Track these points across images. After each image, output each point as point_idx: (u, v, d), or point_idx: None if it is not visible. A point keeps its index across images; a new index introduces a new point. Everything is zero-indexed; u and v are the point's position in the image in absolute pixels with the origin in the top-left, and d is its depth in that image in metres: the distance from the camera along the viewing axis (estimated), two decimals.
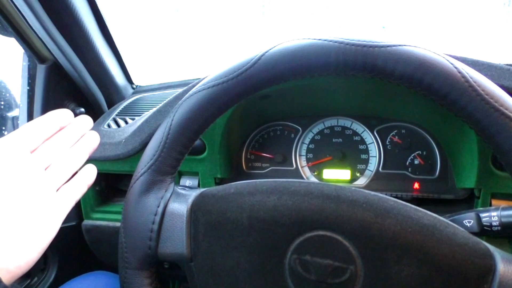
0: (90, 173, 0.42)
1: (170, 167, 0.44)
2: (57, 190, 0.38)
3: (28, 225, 0.34)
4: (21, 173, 0.35)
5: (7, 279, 0.32)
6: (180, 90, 0.68)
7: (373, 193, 0.39)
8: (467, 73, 0.35)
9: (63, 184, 0.39)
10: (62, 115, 0.41)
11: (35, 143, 0.38)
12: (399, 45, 0.37)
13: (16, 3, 0.64)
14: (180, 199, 0.45)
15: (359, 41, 0.38)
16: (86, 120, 0.43)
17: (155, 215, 0.43)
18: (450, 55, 0.38)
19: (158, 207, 0.44)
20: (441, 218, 0.37)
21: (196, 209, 0.44)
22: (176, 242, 0.43)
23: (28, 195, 0.35)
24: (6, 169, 0.34)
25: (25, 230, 0.34)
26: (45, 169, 0.38)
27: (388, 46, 0.37)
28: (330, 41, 0.38)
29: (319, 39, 0.39)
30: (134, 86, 1.00)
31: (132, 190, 0.44)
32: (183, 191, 0.46)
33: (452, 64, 0.36)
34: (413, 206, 0.37)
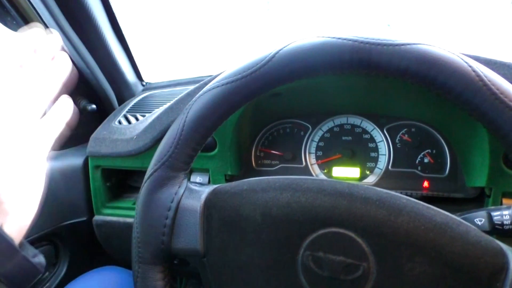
0: (67, 107, 0.37)
1: (183, 163, 0.45)
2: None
3: (18, 151, 0.31)
4: (15, 86, 0.32)
5: (16, 230, 0.30)
6: (189, 87, 0.68)
7: (385, 191, 0.39)
8: (482, 72, 0.35)
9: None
10: (35, 35, 0.36)
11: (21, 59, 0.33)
12: (413, 44, 0.37)
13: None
14: (193, 195, 0.45)
15: (373, 39, 0.37)
16: (55, 39, 0.37)
17: (169, 210, 0.44)
18: (464, 54, 0.38)
19: (172, 202, 0.44)
20: (453, 216, 0.37)
21: (209, 205, 0.44)
22: (189, 237, 0.44)
23: (19, 116, 0.31)
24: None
25: (16, 156, 0.31)
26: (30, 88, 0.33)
27: (402, 44, 0.37)
28: (345, 39, 0.38)
29: (334, 37, 0.39)
30: (144, 83, 1.01)
31: (146, 186, 0.45)
32: (196, 187, 0.46)
33: (466, 62, 0.36)
34: (425, 204, 0.38)
